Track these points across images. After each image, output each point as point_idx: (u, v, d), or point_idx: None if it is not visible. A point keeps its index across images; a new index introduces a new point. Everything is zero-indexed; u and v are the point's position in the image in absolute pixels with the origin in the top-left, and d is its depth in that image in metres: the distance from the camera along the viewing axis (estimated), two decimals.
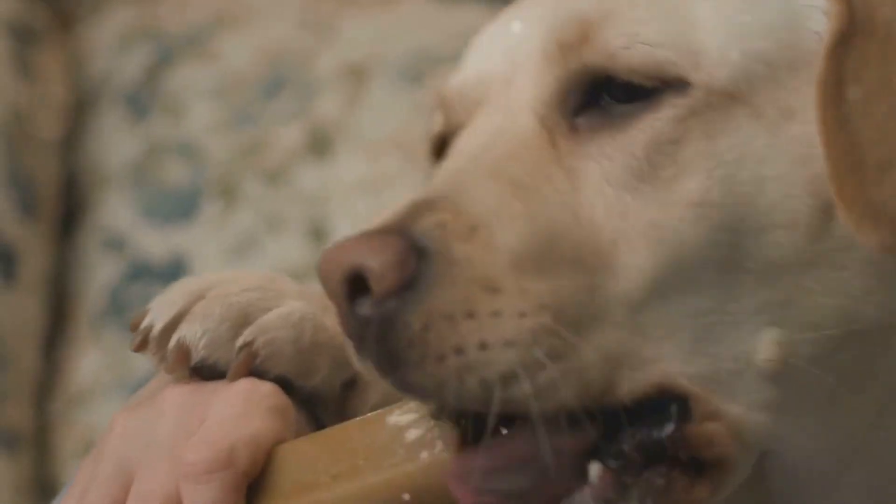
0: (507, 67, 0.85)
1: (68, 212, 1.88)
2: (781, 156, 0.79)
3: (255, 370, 0.89)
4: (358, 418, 0.86)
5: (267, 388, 0.88)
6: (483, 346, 0.75)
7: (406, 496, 0.80)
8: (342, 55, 1.88)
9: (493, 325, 0.76)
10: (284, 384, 0.90)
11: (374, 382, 0.93)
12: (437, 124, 0.90)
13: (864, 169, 0.77)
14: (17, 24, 1.85)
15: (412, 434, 0.82)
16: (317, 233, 1.79)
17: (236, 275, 0.94)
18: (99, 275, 1.83)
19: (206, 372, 0.89)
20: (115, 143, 1.89)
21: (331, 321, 0.92)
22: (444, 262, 0.76)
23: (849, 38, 0.79)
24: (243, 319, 0.89)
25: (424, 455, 0.81)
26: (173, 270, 1.78)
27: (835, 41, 0.79)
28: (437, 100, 0.90)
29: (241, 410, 0.86)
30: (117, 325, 1.78)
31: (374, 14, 1.91)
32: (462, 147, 0.83)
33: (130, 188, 1.85)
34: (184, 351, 0.89)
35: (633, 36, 0.80)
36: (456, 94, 0.88)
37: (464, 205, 0.78)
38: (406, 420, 0.83)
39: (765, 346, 0.79)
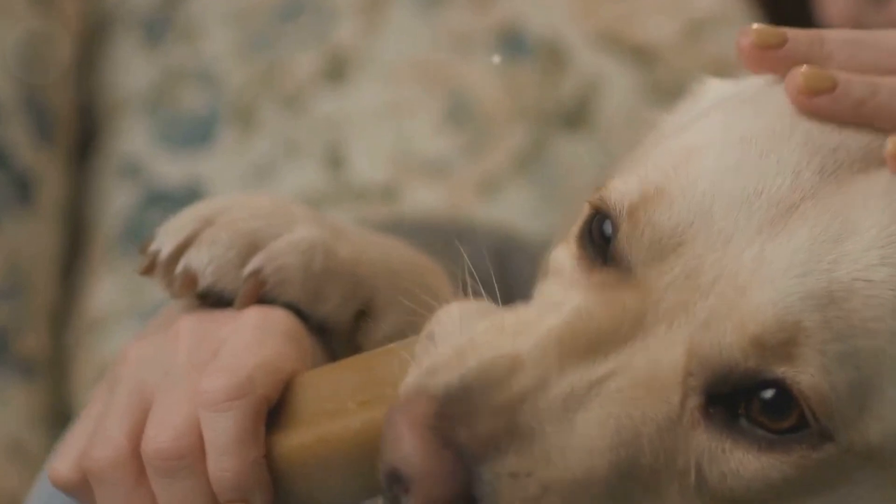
0: (718, 259, 0.78)
1: (84, 138, 1.87)
2: None
3: (263, 297, 0.88)
4: (381, 349, 0.85)
5: (279, 314, 0.87)
6: None
7: None
8: None
9: None
10: (294, 312, 0.89)
11: (387, 314, 0.92)
12: (618, 202, 0.81)
13: None
14: None
15: None
16: (334, 159, 1.77)
17: (247, 200, 0.94)
18: (115, 201, 1.82)
19: (214, 298, 0.89)
20: (131, 69, 1.87)
21: (343, 248, 0.91)
22: None
23: None
24: (252, 246, 0.89)
25: None
26: (189, 196, 1.77)
27: None
28: (641, 199, 0.80)
29: (255, 337, 0.85)
30: (133, 251, 1.74)
31: None
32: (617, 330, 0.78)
33: (146, 114, 1.84)
34: (190, 277, 0.88)
35: (827, 373, 0.75)
36: (658, 226, 0.79)
37: (557, 451, 0.74)
38: None
39: None
